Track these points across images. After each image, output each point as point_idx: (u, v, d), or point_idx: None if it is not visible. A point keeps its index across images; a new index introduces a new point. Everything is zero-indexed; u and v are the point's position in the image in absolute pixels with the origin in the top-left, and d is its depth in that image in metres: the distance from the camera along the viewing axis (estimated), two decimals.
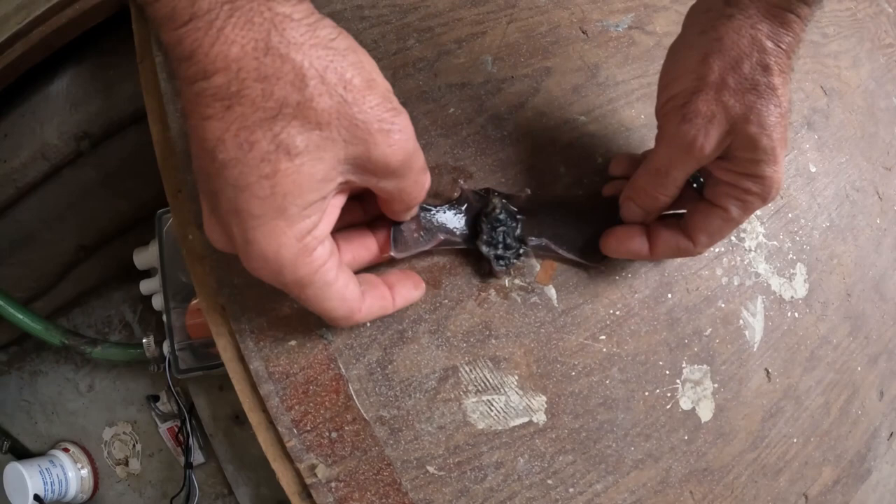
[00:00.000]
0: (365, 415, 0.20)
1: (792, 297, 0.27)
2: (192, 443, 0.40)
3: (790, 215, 0.28)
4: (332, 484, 0.20)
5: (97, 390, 0.50)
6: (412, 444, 0.20)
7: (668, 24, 0.28)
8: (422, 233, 0.19)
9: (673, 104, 0.19)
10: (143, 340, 0.38)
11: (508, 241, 0.20)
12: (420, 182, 0.16)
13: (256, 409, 0.21)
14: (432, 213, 0.20)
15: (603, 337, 0.22)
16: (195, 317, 0.36)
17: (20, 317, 0.39)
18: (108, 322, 0.51)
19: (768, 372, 0.26)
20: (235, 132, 0.13)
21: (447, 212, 0.20)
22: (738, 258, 0.25)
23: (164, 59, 0.25)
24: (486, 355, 0.20)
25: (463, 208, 0.20)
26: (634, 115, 0.24)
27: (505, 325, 0.21)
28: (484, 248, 0.20)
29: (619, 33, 0.25)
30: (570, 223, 0.21)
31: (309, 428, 0.20)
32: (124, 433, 0.48)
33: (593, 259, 0.21)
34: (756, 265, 0.26)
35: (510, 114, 0.23)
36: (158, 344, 0.39)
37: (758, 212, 0.28)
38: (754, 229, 0.26)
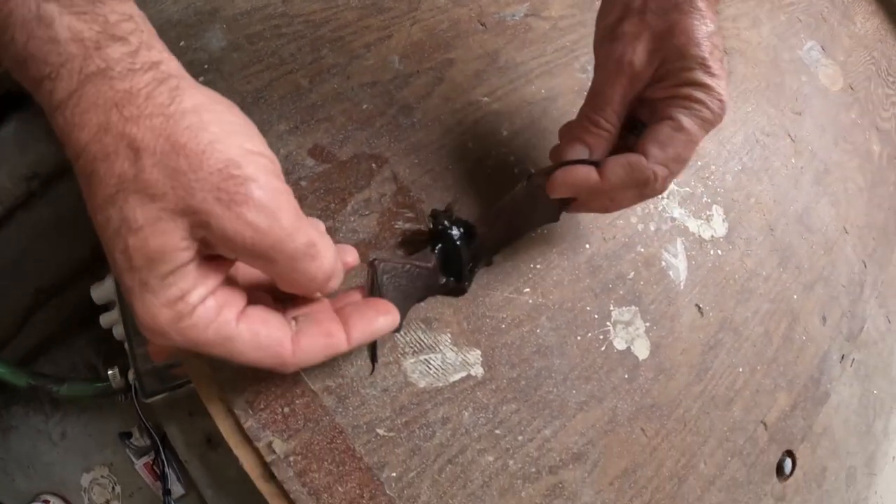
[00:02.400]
0: (312, 386, 0.23)
1: (712, 237, 0.31)
2: (168, 470, 0.42)
3: (699, 163, 0.32)
4: (291, 458, 0.22)
5: (70, 437, 0.51)
6: (360, 410, 0.23)
7: (563, 8, 0.32)
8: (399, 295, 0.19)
9: (604, 32, 0.21)
10: (109, 372, 0.40)
11: (470, 260, 0.22)
12: (301, 270, 0.15)
13: (214, 399, 0.24)
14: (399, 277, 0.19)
15: (527, 289, 0.25)
16: None
17: None
18: (74, 368, 0.52)
19: (699, 307, 0.29)
20: (95, 209, 0.13)
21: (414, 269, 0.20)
22: (652, 206, 0.29)
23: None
24: (418, 318, 0.23)
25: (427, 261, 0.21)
26: (535, 91, 0.29)
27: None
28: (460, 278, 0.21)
29: (515, 21, 0.29)
30: (518, 212, 0.23)
31: (262, 406, 0.23)
32: (102, 477, 0.49)
33: (551, 219, 0.23)
34: (670, 210, 0.30)
35: (418, 103, 0.27)
36: (124, 374, 0.41)
37: None
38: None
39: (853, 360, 0.39)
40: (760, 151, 0.36)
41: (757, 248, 0.33)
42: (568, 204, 0.23)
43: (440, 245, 0.21)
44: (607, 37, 0.21)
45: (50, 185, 0.40)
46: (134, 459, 0.48)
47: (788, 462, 0.34)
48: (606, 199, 0.22)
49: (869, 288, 0.41)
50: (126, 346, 0.38)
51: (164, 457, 0.42)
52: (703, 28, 0.19)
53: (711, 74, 0.19)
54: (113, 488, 0.50)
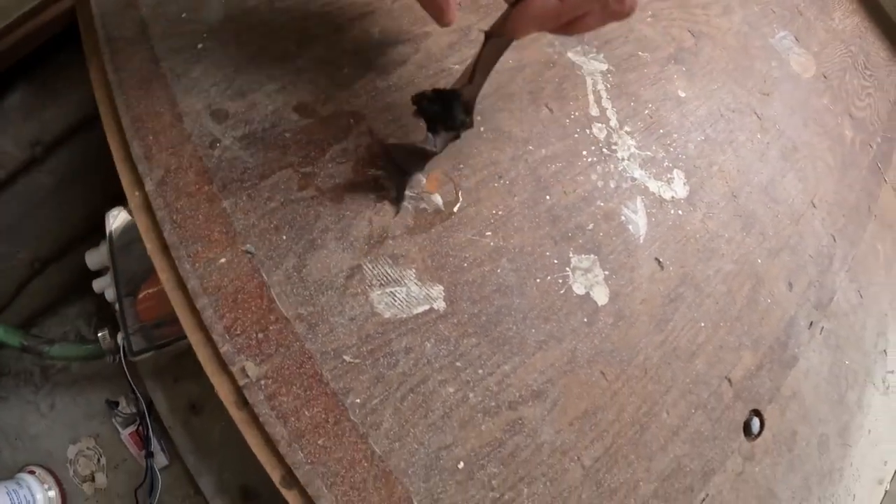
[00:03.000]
0: (286, 314, 0.25)
1: (672, 198, 0.33)
2: (151, 434, 0.44)
3: (661, 131, 0.35)
4: (262, 382, 0.24)
5: (58, 409, 0.53)
6: (328, 337, 0.25)
7: None
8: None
9: None
10: (99, 333, 0.43)
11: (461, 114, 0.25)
12: None
13: (196, 329, 0.26)
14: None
15: (489, 233, 0.27)
16: (146, 301, 0.41)
17: None
18: (65, 338, 0.55)
19: (659, 261, 0.32)
20: None
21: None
22: (612, 166, 0.32)
23: (111, 55, 0.32)
24: (386, 253, 0.26)
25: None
26: (503, 60, 0.31)
27: (399, 227, 0.26)
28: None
29: (488, 1, 0.33)
30: (486, 65, 0.26)
31: (239, 332, 0.25)
32: (88, 448, 0.51)
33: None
34: (631, 171, 0.32)
35: (395, 69, 0.30)
36: (113, 336, 0.43)
37: (627, 127, 0.35)
38: (625, 142, 0.33)
39: (822, 328, 0.40)
40: (725, 125, 0.38)
41: (719, 212, 0.35)
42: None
43: (435, 109, 0.25)
44: None
45: (52, 151, 0.43)
46: (120, 429, 0.50)
47: (756, 421, 0.36)
48: (571, 23, 0.21)
49: (839, 261, 0.43)
50: (116, 307, 0.41)
51: (148, 421, 0.44)
52: None
53: None
54: (98, 460, 0.52)
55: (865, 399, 0.44)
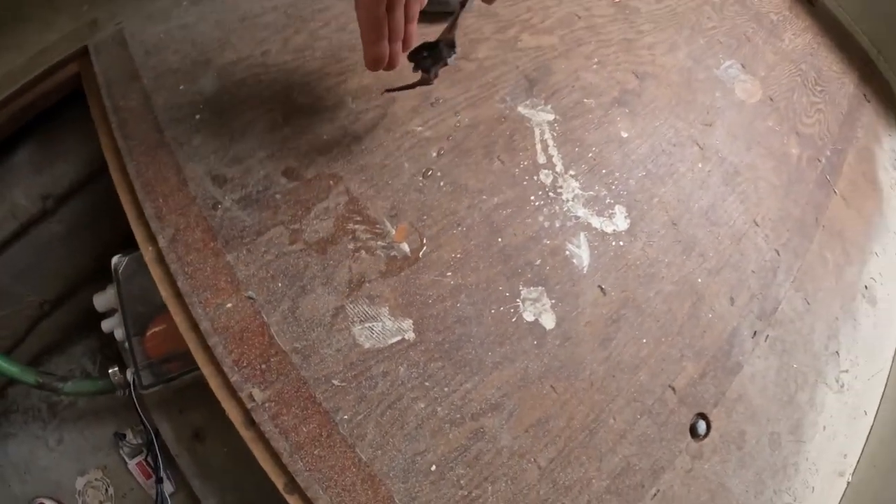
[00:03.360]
0: (284, 348, 0.33)
1: (614, 231, 0.41)
2: (160, 460, 0.51)
3: (604, 171, 0.43)
4: (266, 404, 0.32)
5: (66, 442, 0.61)
6: (319, 365, 0.33)
7: (488, 51, 0.44)
8: None
9: None
10: (110, 370, 0.50)
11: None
12: None
13: (208, 363, 0.34)
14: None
15: (449, 273, 0.35)
16: (153, 339, 0.48)
17: None
18: (71, 375, 0.62)
19: (602, 288, 0.40)
20: None
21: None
22: (557, 207, 0.40)
23: (119, 123, 0.40)
24: (364, 295, 0.34)
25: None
26: (460, 120, 0.40)
27: (373, 272, 0.34)
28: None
29: (448, 66, 0.41)
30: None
31: (245, 364, 0.33)
32: (96, 479, 0.58)
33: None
34: (575, 210, 0.40)
35: (366, 133, 0.38)
36: (122, 372, 0.50)
37: (572, 171, 0.43)
38: (570, 185, 0.41)
39: (767, 336, 0.48)
40: (666, 159, 0.47)
41: (659, 240, 0.43)
42: None
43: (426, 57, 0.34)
44: None
45: (62, 203, 0.51)
46: (127, 459, 0.57)
47: (702, 424, 0.43)
48: None
49: (783, 274, 0.51)
50: (126, 345, 0.48)
51: (157, 447, 0.51)
52: None
53: None
54: (106, 490, 0.59)
55: (818, 398, 0.51)
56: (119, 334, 0.51)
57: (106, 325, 0.52)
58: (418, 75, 0.35)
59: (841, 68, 0.78)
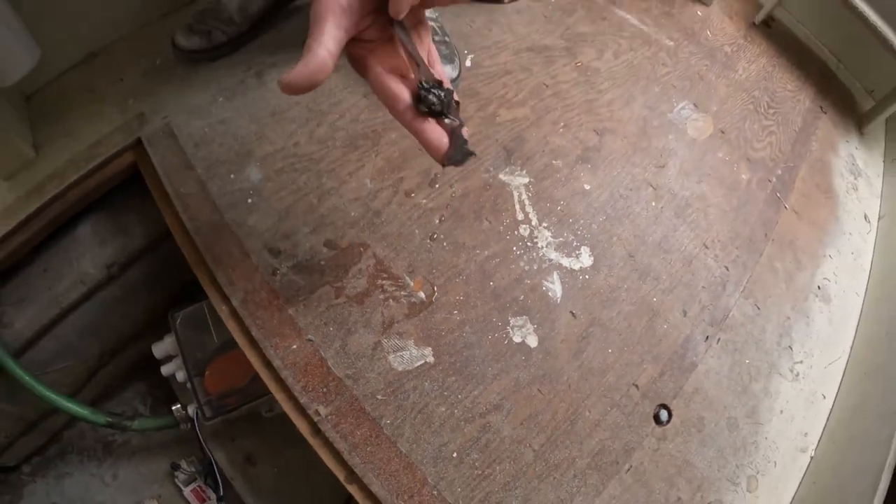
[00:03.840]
0: (338, 375, 0.53)
1: (580, 268, 0.62)
2: (221, 483, 0.70)
3: (570, 220, 0.64)
4: (329, 417, 0.52)
5: (121, 478, 0.80)
6: (366, 386, 0.53)
7: (474, 128, 0.65)
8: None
9: None
10: (174, 407, 0.70)
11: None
12: None
13: (280, 391, 0.54)
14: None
15: (455, 311, 0.56)
16: (211, 378, 0.68)
17: (72, 406, 0.70)
18: (124, 415, 0.82)
19: (573, 313, 0.60)
20: None
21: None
22: (534, 254, 0.61)
23: (183, 207, 0.61)
24: (394, 332, 0.54)
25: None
26: (455, 191, 0.61)
27: (400, 315, 0.54)
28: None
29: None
30: None
31: (310, 389, 0.53)
32: None
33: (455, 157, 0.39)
34: (548, 255, 0.61)
35: (384, 208, 0.59)
36: (184, 408, 0.70)
37: (545, 223, 0.64)
38: (543, 235, 0.62)
39: (719, 339, 0.69)
40: (623, 203, 0.68)
41: (619, 271, 0.64)
42: None
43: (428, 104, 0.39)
44: None
45: (124, 270, 0.71)
46: (182, 487, 0.77)
47: (664, 413, 0.64)
48: None
49: (732, 286, 0.72)
50: (189, 385, 0.68)
51: (216, 468, 0.70)
52: None
53: None
54: None
55: (772, 387, 0.72)
56: (180, 376, 0.71)
57: (165, 369, 0.72)
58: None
59: (796, 86, 1.00)
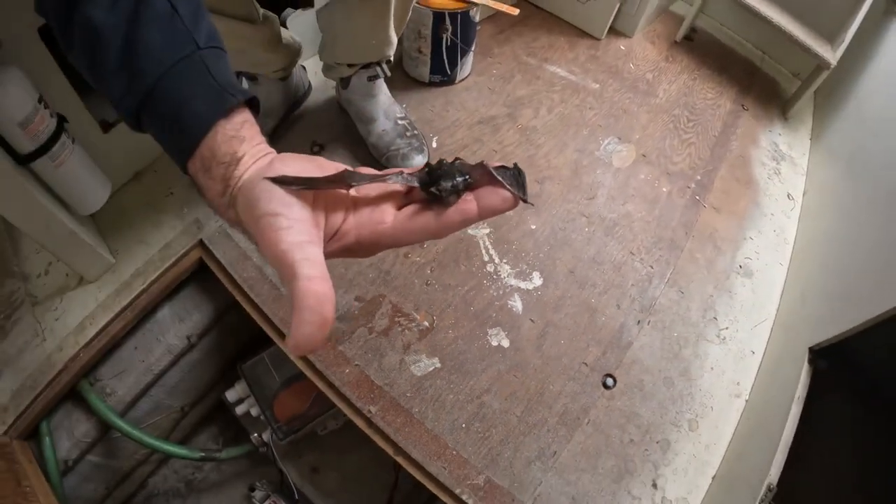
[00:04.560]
0: (379, 384, 1.07)
1: (534, 287, 1.17)
2: (295, 492, 1.25)
3: (523, 254, 1.19)
4: (377, 413, 1.07)
5: None
6: (398, 389, 1.07)
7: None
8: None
9: None
10: (252, 436, 1.24)
11: (453, 178, 0.42)
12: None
13: (341, 401, 1.09)
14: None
15: (451, 331, 1.10)
16: (278, 409, 1.22)
17: (170, 448, 1.24)
18: (203, 451, 1.36)
19: (532, 320, 1.15)
20: None
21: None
22: (499, 283, 1.15)
23: (249, 287, 1.15)
24: (412, 351, 1.09)
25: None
26: (437, 249, 1.16)
27: (413, 339, 1.09)
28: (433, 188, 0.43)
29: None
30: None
31: (362, 397, 1.08)
32: None
33: (520, 192, 0.43)
34: (509, 282, 1.16)
35: (392, 268, 1.14)
36: (260, 436, 1.24)
37: (504, 260, 1.19)
38: (504, 269, 1.17)
39: (649, 321, 1.24)
40: (562, 234, 1.22)
41: (563, 284, 1.18)
42: None
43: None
44: None
45: (201, 338, 1.25)
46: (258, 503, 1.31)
47: (610, 380, 1.19)
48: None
49: (657, 279, 1.27)
50: (263, 416, 1.23)
51: (290, 480, 1.24)
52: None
53: None
54: None
55: (701, 351, 1.27)
56: (254, 412, 1.25)
57: (240, 409, 1.27)
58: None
59: (717, 92, 1.56)
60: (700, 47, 1.60)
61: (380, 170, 0.46)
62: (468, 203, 0.43)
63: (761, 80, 1.63)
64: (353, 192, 0.44)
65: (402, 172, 0.45)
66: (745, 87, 1.59)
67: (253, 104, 0.47)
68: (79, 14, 0.43)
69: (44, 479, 1.18)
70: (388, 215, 0.45)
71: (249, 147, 0.44)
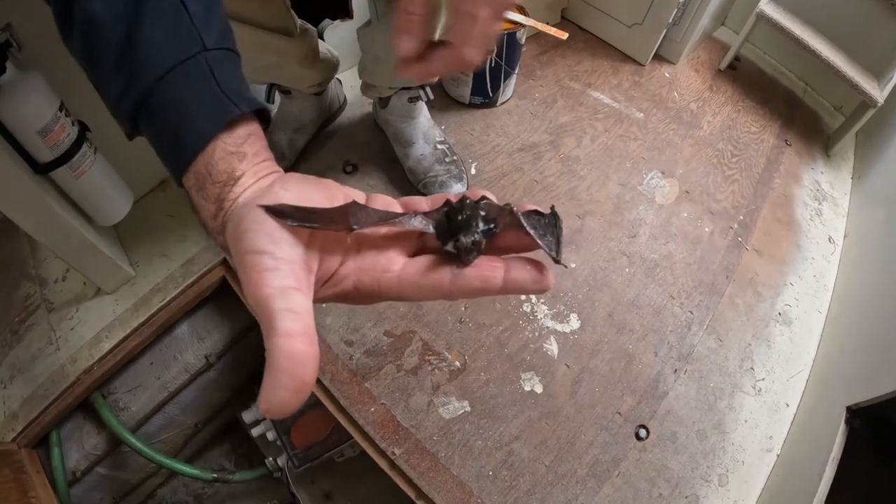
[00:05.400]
0: (405, 426, 0.98)
1: (571, 330, 1.07)
2: None
3: (561, 294, 1.09)
4: (402, 455, 0.98)
5: None
6: (425, 431, 0.98)
7: None
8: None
9: None
10: (267, 460, 1.15)
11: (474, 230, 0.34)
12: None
13: (364, 440, 0.99)
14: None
15: (482, 374, 1.00)
16: (296, 434, 1.13)
17: (182, 467, 1.15)
18: (215, 471, 1.28)
19: (567, 365, 1.05)
20: None
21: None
22: (536, 324, 1.05)
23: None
24: (441, 392, 0.99)
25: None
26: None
27: (443, 380, 0.99)
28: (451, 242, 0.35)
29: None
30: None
31: (386, 438, 0.98)
32: None
33: (553, 250, 0.34)
34: (546, 324, 1.06)
35: (422, 307, 1.04)
36: (275, 460, 1.15)
37: (542, 300, 1.09)
38: (541, 310, 1.07)
39: (686, 370, 1.14)
40: (602, 274, 1.12)
41: (600, 328, 1.08)
42: None
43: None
44: None
45: (219, 358, 1.16)
46: None
47: (643, 431, 1.09)
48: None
49: (696, 326, 1.17)
50: (279, 442, 1.14)
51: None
52: None
53: None
54: None
55: (736, 402, 1.17)
56: (270, 435, 1.16)
57: (255, 431, 1.17)
58: None
59: (761, 125, 1.44)
60: (743, 77, 1.49)
61: (417, 194, 0.39)
62: (494, 270, 0.35)
63: (804, 114, 1.52)
64: (351, 235, 0.36)
65: (415, 214, 0.37)
66: (788, 121, 1.48)
67: (263, 115, 0.41)
68: (78, 4, 0.38)
69: (51, 489, 1.10)
70: (395, 263, 0.38)
71: (251, 165, 0.38)
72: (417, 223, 0.37)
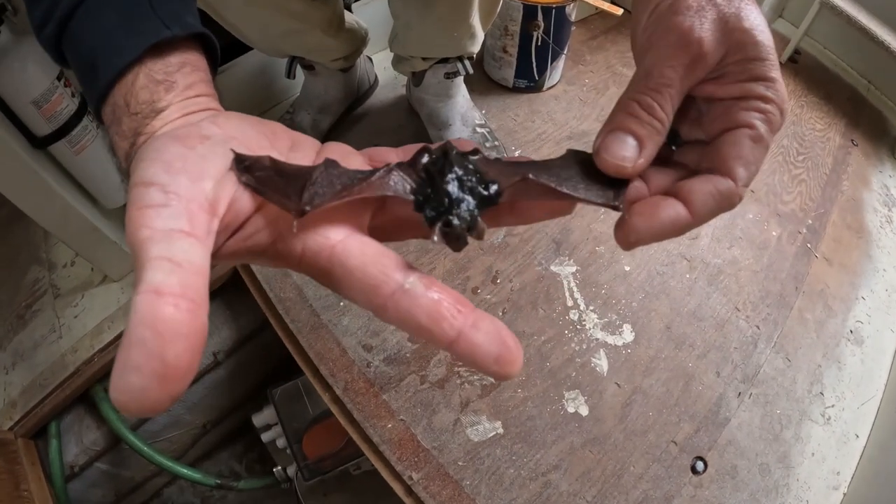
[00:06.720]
0: (426, 447, 0.77)
1: (623, 343, 0.84)
2: None
3: (613, 301, 0.86)
4: (420, 481, 0.77)
5: None
6: (449, 455, 0.77)
7: (526, 229, 0.88)
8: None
9: (658, 11, 0.25)
10: (275, 469, 0.96)
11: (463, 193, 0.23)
12: None
13: (378, 461, 0.79)
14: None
15: (519, 390, 0.79)
16: (308, 445, 0.94)
17: (182, 470, 0.97)
18: (221, 475, 1.09)
19: (618, 384, 0.83)
20: None
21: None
22: (583, 335, 0.83)
23: (285, 310, 0.86)
24: (470, 410, 0.78)
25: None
26: (511, 286, 0.84)
27: (474, 396, 0.78)
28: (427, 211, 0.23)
29: (499, 242, 0.85)
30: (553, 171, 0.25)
31: (405, 459, 0.77)
32: None
33: (604, 197, 0.24)
34: (595, 334, 0.84)
35: None
36: (284, 469, 0.96)
37: (591, 307, 0.86)
38: (590, 318, 0.84)
39: (751, 394, 0.90)
40: (659, 280, 0.89)
41: (657, 342, 0.86)
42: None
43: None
44: (665, 12, 0.25)
45: (229, 356, 0.97)
46: None
47: (700, 464, 0.86)
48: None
49: (763, 343, 0.93)
50: (289, 451, 0.94)
51: None
52: (760, 16, 0.25)
53: (776, 67, 0.25)
54: None
55: (803, 432, 0.93)
56: (280, 443, 0.97)
57: (266, 436, 0.98)
58: None
59: (826, 123, 1.19)
60: (805, 71, 1.24)
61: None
62: (456, 314, 0.22)
63: (869, 113, 1.27)
64: (296, 223, 0.23)
65: (391, 170, 0.25)
66: (853, 120, 1.22)
67: (209, 47, 0.31)
68: None
69: (45, 483, 0.93)
70: (336, 231, 0.25)
71: (180, 98, 0.28)
72: (396, 185, 0.24)
